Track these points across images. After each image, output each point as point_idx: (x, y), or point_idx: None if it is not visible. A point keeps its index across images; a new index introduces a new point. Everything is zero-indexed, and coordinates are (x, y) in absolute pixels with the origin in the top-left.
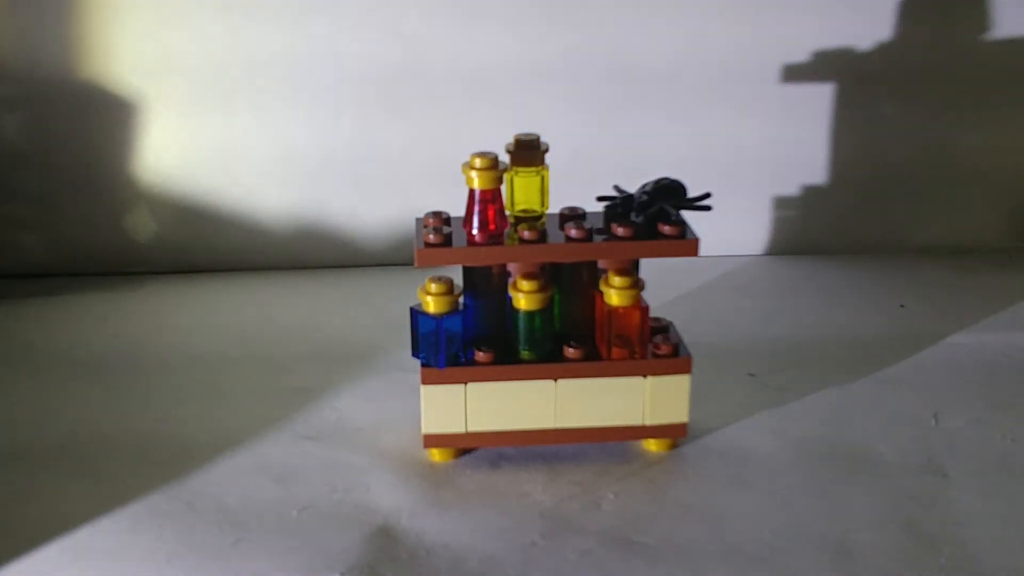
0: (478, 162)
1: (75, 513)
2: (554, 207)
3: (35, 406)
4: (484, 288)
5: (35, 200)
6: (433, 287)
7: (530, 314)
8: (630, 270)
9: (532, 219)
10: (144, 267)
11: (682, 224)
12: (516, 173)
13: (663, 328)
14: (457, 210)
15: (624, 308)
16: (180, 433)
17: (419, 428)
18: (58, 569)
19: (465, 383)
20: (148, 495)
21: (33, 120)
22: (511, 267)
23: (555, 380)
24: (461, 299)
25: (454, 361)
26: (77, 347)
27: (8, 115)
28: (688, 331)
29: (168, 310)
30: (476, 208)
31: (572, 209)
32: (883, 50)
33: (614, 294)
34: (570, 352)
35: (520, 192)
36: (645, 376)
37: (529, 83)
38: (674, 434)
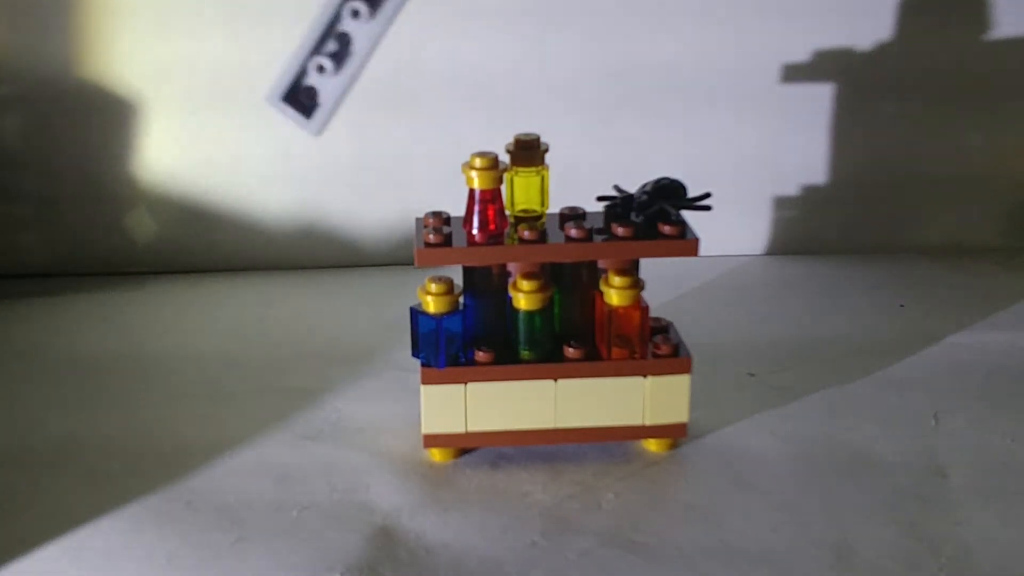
0: (478, 162)
1: (75, 513)
2: (554, 207)
3: (35, 406)
4: (484, 288)
5: (35, 200)
6: (433, 287)
7: (530, 314)
8: (630, 270)
9: (532, 219)
10: (144, 267)
11: (682, 224)
12: (516, 173)
13: (663, 328)
14: (457, 210)
15: (624, 308)
16: (180, 433)
17: (419, 428)
18: (58, 569)
19: (465, 383)
20: (148, 495)
21: (33, 121)
22: (511, 267)
23: (555, 380)
24: (461, 299)
25: (454, 361)
26: (77, 347)
27: (8, 115)
28: (688, 331)
29: (168, 310)
30: (476, 208)
31: (572, 209)
32: (883, 51)
33: (614, 294)
34: (570, 352)
35: (520, 192)
36: (645, 376)
37: (529, 85)
38: (674, 434)
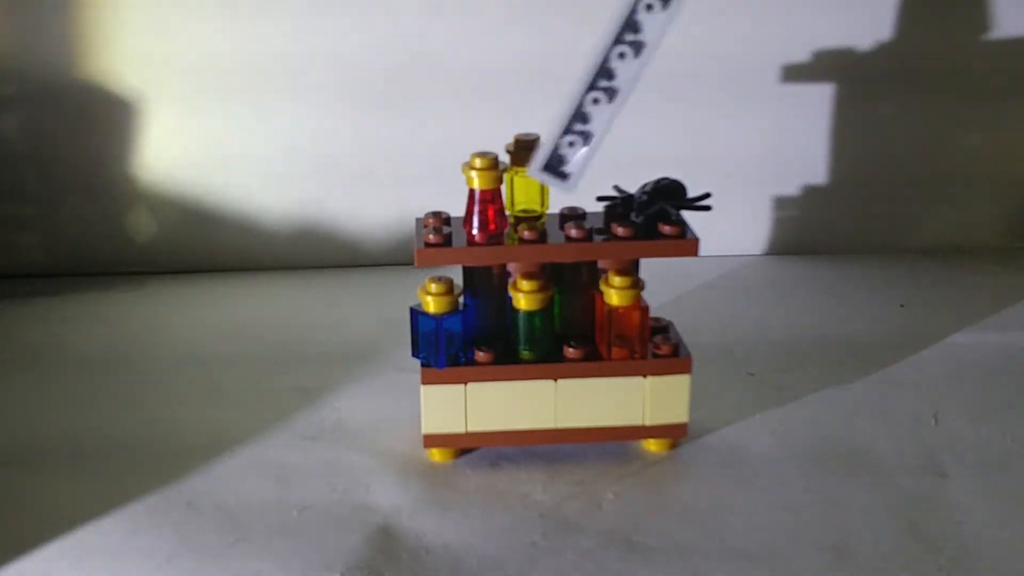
0: (478, 162)
1: (75, 513)
2: (554, 207)
3: (35, 406)
4: (484, 288)
5: (35, 200)
6: (433, 287)
7: (530, 314)
8: (630, 270)
9: (532, 219)
10: (144, 267)
11: (682, 224)
12: (516, 173)
13: (663, 328)
14: (457, 210)
15: (624, 308)
16: (180, 433)
17: (419, 428)
18: (58, 569)
19: (465, 383)
20: (148, 495)
21: (33, 120)
22: (511, 267)
23: (555, 380)
24: (461, 299)
25: (454, 361)
26: (77, 347)
27: (8, 115)
28: (688, 331)
29: (168, 310)
30: (476, 208)
31: (572, 209)
32: (883, 50)
33: (614, 294)
34: (570, 352)
35: (520, 192)
36: (645, 376)
37: (529, 82)
38: (674, 434)
